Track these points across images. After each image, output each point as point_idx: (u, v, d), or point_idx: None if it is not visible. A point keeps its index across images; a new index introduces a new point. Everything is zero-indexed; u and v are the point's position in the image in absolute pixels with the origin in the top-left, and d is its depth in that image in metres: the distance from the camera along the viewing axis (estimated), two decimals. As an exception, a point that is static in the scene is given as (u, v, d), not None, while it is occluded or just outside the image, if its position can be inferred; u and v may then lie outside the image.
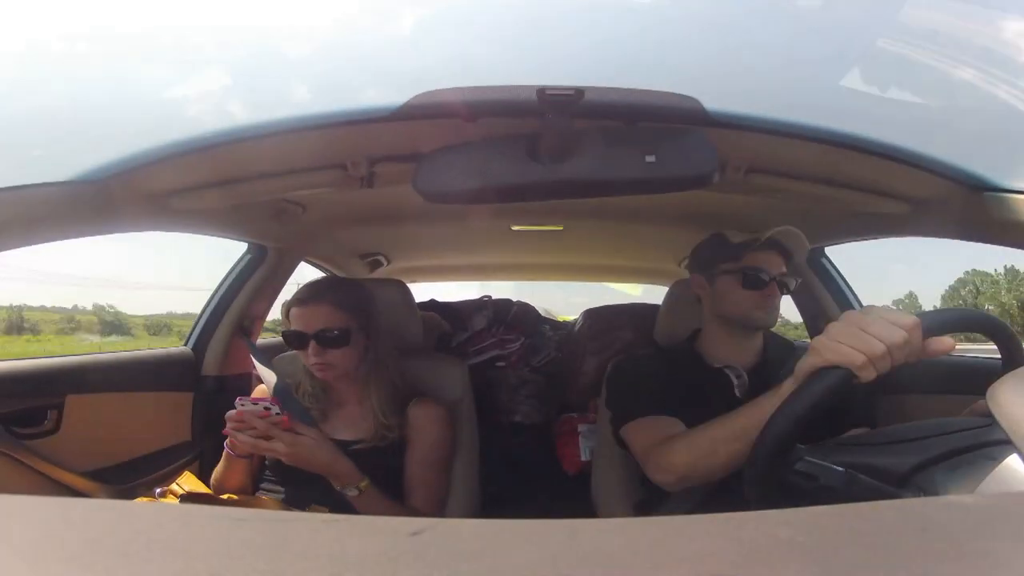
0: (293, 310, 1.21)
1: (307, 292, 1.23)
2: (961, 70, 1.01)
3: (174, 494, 1.12)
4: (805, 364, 0.72)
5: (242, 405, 1.06)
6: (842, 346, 0.68)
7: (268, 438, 1.04)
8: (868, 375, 0.67)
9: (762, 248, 1.17)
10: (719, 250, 1.22)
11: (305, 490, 1.14)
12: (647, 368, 1.23)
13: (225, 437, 1.26)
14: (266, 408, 1.05)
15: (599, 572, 0.30)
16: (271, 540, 0.34)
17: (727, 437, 0.84)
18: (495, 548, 0.32)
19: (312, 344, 1.17)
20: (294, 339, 1.19)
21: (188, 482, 1.18)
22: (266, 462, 1.23)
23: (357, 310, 1.22)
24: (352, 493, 1.09)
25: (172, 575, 0.30)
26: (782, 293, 1.17)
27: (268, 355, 1.50)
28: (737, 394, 1.14)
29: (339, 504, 1.10)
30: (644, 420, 1.10)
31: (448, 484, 1.27)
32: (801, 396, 0.69)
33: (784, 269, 1.17)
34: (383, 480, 1.17)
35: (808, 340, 1.86)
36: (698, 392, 1.14)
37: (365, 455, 1.18)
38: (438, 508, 1.23)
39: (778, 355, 1.20)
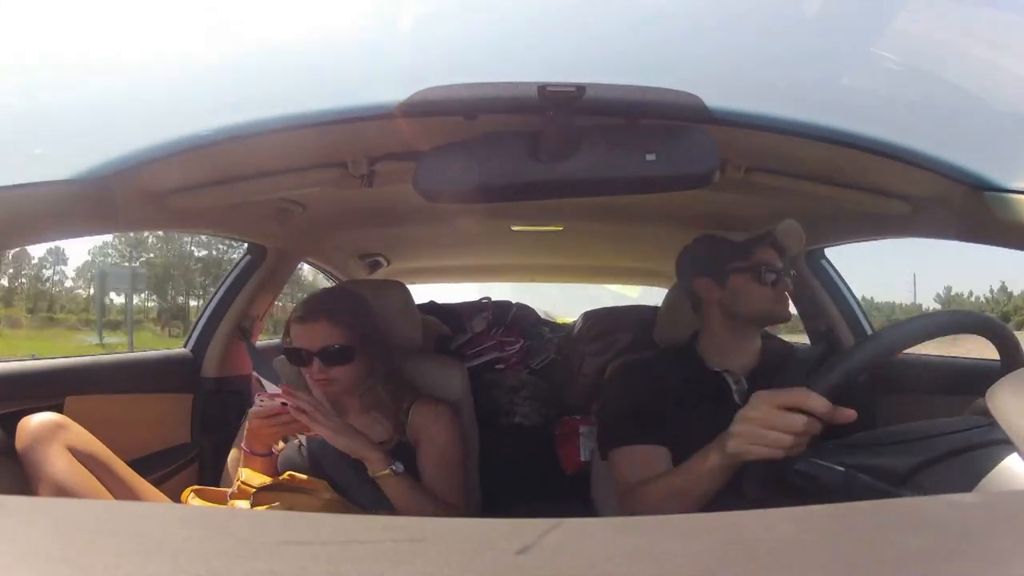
0: (293, 327, 1.21)
1: (304, 309, 1.21)
2: (962, 70, 1.01)
3: (246, 494, 1.12)
4: (729, 448, 0.78)
5: (262, 402, 1.09)
6: (755, 447, 0.74)
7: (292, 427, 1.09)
8: (795, 452, 0.72)
9: (772, 245, 1.17)
10: (724, 250, 1.20)
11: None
12: (644, 376, 1.22)
13: (227, 439, 1.26)
14: (283, 404, 1.07)
15: (599, 572, 0.30)
16: (271, 540, 0.34)
17: (693, 484, 0.89)
18: (495, 548, 0.32)
19: (316, 362, 1.17)
20: (297, 356, 1.19)
21: (251, 478, 1.17)
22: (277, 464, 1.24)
23: (356, 323, 1.21)
24: (384, 472, 1.09)
25: (172, 575, 0.30)
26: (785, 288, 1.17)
27: (267, 356, 1.51)
28: (736, 399, 1.13)
29: (358, 496, 1.13)
30: (629, 450, 1.11)
31: (466, 478, 1.26)
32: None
33: (782, 265, 1.17)
34: None
35: (807, 342, 1.86)
36: (696, 396, 1.14)
37: None
38: (464, 505, 1.22)
39: (776, 359, 1.20)
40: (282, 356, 1.50)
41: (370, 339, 1.23)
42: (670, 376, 1.18)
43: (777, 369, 1.15)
